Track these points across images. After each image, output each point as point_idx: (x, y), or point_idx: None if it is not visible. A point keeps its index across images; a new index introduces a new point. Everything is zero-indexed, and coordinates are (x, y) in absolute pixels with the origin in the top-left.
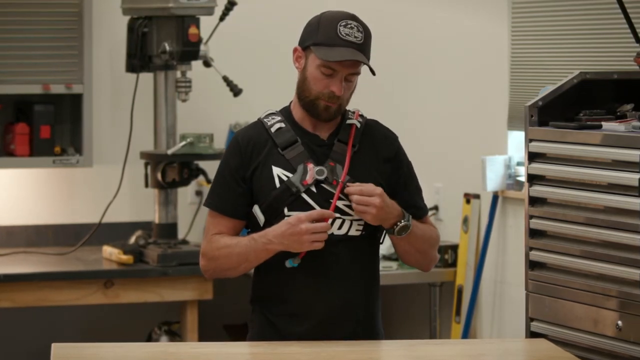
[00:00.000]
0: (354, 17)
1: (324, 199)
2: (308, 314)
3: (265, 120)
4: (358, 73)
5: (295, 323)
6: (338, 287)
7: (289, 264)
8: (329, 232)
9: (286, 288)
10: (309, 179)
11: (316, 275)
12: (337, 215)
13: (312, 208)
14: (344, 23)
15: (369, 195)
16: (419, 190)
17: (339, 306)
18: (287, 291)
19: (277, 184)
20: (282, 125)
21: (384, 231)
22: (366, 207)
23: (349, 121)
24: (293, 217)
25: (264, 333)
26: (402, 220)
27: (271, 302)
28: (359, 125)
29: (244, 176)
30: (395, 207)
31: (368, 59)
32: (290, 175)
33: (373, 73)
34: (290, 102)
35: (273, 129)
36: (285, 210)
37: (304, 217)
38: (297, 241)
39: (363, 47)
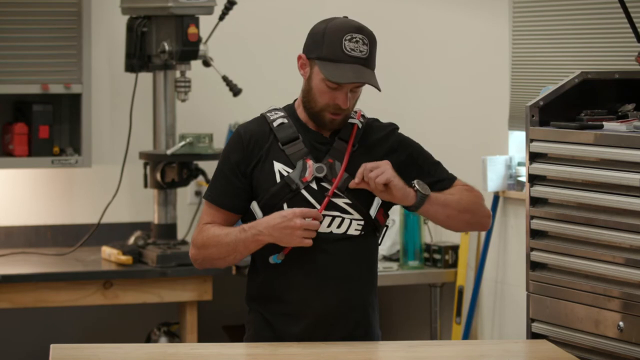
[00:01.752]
0: (359, 30)
1: (323, 196)
2: (305, 314)
3: (268, 114)
4: (363, 84)
5: (292, 322)
6: (335, 286)
7: (272, 260)
8: (328, 230)
9: (282, 287)
10: (308, 175)
11: (313, 274)
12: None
13: (312, 205)
14: (349, 37)
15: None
16: (437, 164)
17: (335, 305)
18: (283, 290)
19: (278, 180)
20: (285, 121)
21: (384, 230)
22: (380, 175)
23: (351, 120)
24: (288, 210)
25: (261, 333)
26: (416, 186)
27: (267, 301)
28: (360, 125)
29: (245, 171)
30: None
31: (373, 69)
32: (290, 171)
33: (378, 89)
34: (294, 101)
35: (275, 124)
36: (285, 206)
37: (299, 212)
38: (288, 235)
39: (368, 61)
